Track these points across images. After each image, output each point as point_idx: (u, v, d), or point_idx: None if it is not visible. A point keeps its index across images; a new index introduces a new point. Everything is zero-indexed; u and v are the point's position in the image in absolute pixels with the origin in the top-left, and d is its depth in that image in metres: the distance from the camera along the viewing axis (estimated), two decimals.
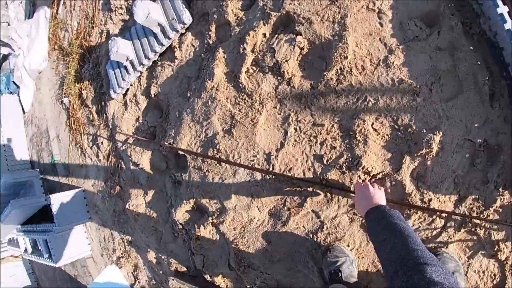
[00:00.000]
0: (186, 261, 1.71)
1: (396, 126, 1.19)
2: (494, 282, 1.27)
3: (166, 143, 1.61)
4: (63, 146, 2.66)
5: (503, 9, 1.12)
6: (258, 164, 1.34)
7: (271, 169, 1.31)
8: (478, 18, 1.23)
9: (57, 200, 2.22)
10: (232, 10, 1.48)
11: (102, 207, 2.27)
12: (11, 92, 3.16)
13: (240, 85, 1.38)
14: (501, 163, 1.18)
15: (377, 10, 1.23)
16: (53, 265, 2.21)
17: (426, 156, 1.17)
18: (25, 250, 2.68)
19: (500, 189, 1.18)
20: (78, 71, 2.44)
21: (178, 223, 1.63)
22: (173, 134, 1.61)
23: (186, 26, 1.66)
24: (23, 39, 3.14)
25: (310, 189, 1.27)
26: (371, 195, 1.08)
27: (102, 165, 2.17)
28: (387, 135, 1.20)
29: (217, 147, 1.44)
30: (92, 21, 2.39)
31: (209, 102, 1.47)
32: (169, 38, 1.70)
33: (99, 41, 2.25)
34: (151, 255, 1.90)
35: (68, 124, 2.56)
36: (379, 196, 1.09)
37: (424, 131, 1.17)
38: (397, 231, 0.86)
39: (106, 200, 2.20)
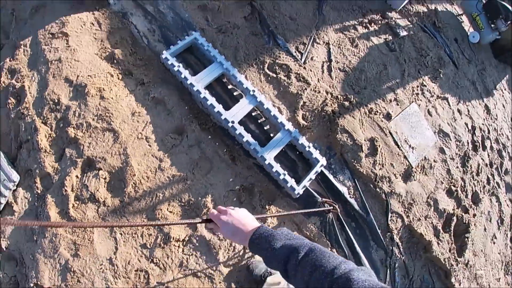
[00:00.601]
0: None
1: (182, 204, 1.83)
2: None
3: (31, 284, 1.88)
4: None
5: (218, 108, 1.90)
6: (106, 269, 1.78)
7: (115, 268, 1.76)
8: (209, 116, 2.02)
9: None
10: (48, 164, 1.94)
11: None
12: None
13: (72, 218, 1.82)
14: (258, 193, 1.93)
15: (144, 138, 1.88)
16: None
17: (208, 212, 1.83)
18: None
19: (267, 206, 1.92)
20: None
21: None
22: (34, 275, 1.89)
23: (16, 183, 2.01)
24: None
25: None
26: (240, 217, 0.94)
27: None
28: (179, 211, 1.82)
29: (72, 269, 1.81)
30: None
31: (53, 238, 1.85)
32: (5, 196, 2.02)
33: None
34: None
35: None
36: (245, 215, 0.97)
37: (200, 199, 1.83)
38: (309, 253, 0.76)
39: None
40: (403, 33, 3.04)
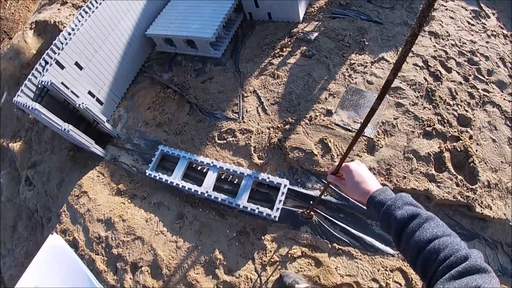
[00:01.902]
0: None
1: (202, 264, 2.47)
2: None
3: None
4: None
5: (193, 187, 2.58)
6: None
7: None
8: (193, 196, 2.68)
9: None
10: (110, 278, 2.74)
11: None
12: None
13: None
14: (251, 231, 2.50)
15: (160, 232, 2.61)
16: None
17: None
18: None
19: (262, 237, 2.48)
20: None
21: None
22: None
23: None
24: None
25: None
26: (363, 173, 0.97)
27: None
28: (202, 271, 2.46)
29: None
30: None
31: None
32: None
33: None
34: None
35: None
36: (368, 171, 0.98)
37: (211, 255, 2.46)
38: (430, 219, 0.76)
39: None
40: (314, 35, 3.45)
